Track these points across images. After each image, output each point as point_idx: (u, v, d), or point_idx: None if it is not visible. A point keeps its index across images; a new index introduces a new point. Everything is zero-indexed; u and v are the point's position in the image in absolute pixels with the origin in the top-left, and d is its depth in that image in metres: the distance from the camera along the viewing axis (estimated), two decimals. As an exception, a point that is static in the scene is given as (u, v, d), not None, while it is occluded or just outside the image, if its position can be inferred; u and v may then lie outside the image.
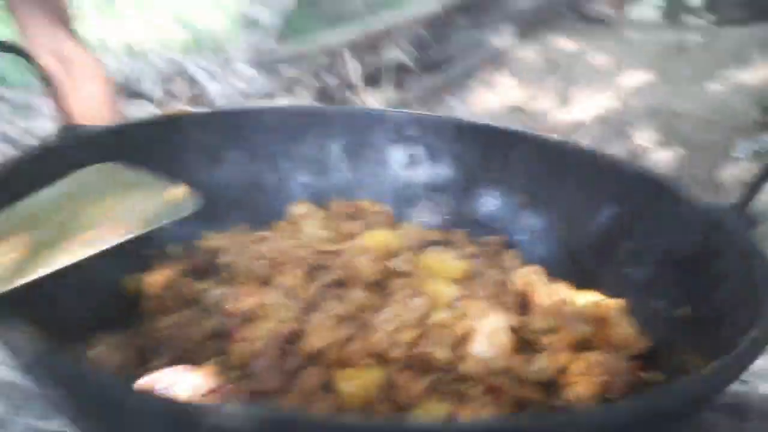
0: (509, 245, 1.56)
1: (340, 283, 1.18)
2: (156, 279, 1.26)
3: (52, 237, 0.86)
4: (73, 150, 1.36)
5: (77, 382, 0.77)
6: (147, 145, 1.48)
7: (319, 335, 1.03)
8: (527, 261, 1.50)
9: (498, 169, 1.62)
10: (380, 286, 1.20)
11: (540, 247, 1.53)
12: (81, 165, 1.27)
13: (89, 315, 1.18)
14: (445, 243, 1.49)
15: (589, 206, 1.46)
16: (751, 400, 1.35)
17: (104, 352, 1.08)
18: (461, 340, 1.07)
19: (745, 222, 1.21)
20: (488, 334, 1.07)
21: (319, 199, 1.63)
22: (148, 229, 0.90)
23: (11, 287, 0.80)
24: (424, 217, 1.63)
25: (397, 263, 1.22)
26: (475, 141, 1.66)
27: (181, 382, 0.98)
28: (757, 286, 1.03)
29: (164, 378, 0.98)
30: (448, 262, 1.26)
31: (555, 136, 1.64)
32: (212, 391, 0.97)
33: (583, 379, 1.10)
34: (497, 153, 1.63)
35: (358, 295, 1.13)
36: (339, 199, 1.63)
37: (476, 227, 1.61)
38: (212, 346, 1.10)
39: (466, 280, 1.24)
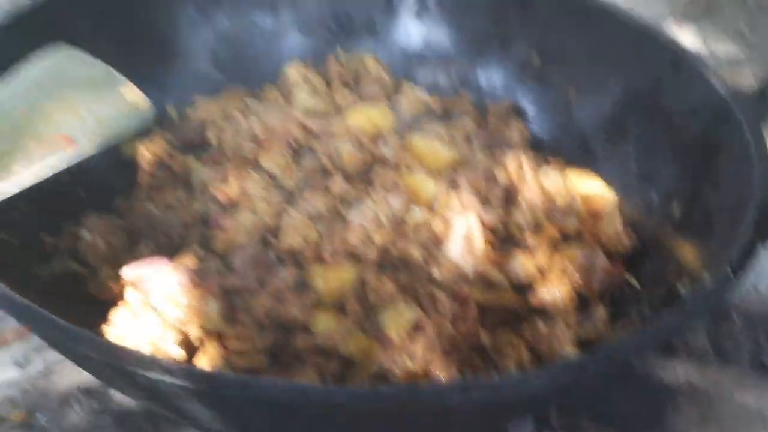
0: (516, 112, 1.48)
1: (323, 170, 1.16)
2: (149, 149, 1.25)
3: (7, 152, 0.86)
4: (58, 6, 1.29)
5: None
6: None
7: (294, 235, 1.05)
8: (532, 134, 1.44)
9: (514, 21, 1.48)
10: (363, 172, 1.18)
11: (545, 120, 1.45)
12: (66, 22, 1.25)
13: (85, 190, 1.21)
14: (445, 113, 1.42)
15: (604, 75, 1.35)
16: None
17: (95, 235, 1.12)
18: (436, 241, 1.08)
19: (758, 114, 1.12)
20: (463, 236, 1.06)
21: (320, 53, 1.55)
22: (105, 144, 0.88)
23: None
24: (430, 78, 1.53)
25: (383, 148, 1.18)
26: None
27: (162, 277, 1.03)
28: (750, 196, 0.98)
29: (147, 272, 1.03)
30: (436, 149, 1.22)
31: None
32: (191, 286, 1.02)
33: (560, 279, 1.11)
34: (516, 1, 1.48)
35: (338, 186, 1.12)
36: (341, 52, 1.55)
37: (483, 92, 1.52)
38: (196, 233, 1.13)
39: (453, 168, 1.20)
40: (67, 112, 0.89)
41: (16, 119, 0.89)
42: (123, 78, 0.92)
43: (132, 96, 0.90)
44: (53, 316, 0.74)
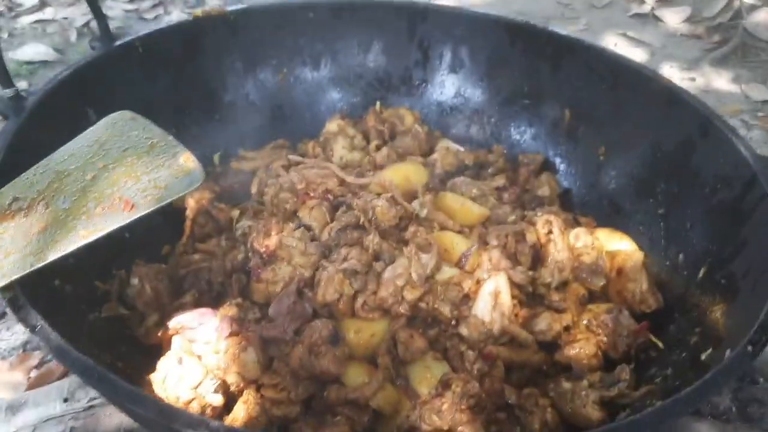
0: (547, 166, 1.52)
1: (358, 225, 1.21)
2: (195, 199, 1.32)
3: (70, 210, 0.92)
4: (113, 60, 1.38)
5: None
6: (179, 53, 1.47)
7: (330, 288, 1.10)
8: (561, 188, 1.48)
9: (547, 78, 1.53)
10: (397, 228, 1.22)
11: (575, 175, 1.48)
12: (120, 75, 1.34)
13: (134, 237, 1.26)
14: (477, 166, 1.46)
15: (633, 134, 1.38)
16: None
17: (143, 281, 1.19)
18: (465, 298, 1.11)
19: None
20: (491, 294, 1.10)
21: (359, 106, 1.61)
22: (158, 206, 0.94)
23: (28, 271, 0.87)
24: (464, 131, 1.58)
25: (416, 206, 1.23)
26: (526, 45, 1.55)
27: (205, 325, 1.08)
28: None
29: (192, 320, 1.09)
30: (467, 206, 1.26)
31: (612, 48, 1.50)
32: (232, 335, 1.07)
33: (586, 337, 1.13)
34: (548, 60, 1.52)
35: (373, 242, 1.17)
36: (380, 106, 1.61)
37: (515, 146, 1.56)
38: (236, 281, 1.19)
39: (483, 225, 1.25)
40: (128, 176, 0.95)
41: (80, 180, 0.95)
42: (180, 144, 0.98)
43: (186, 161, 0.96)
44: (108, 372, 0.80)
